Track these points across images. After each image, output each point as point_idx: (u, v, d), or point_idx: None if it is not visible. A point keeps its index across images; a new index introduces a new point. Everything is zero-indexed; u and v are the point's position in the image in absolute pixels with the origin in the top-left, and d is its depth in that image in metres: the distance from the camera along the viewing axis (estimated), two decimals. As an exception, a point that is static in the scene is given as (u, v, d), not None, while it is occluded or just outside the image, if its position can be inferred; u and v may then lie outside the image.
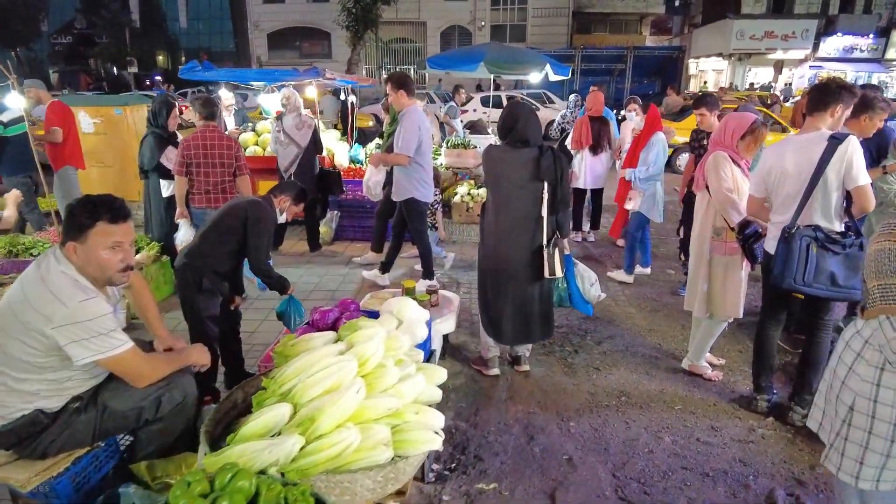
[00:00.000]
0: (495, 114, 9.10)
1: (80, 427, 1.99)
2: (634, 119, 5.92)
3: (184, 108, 9.13)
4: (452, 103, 9.63)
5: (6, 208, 3.16)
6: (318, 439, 1.63)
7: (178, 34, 36.12)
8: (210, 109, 4.34)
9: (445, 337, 3.79)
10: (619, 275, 5.42)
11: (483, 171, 3.39)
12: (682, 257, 5.01)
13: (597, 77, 20.72)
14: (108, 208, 1.94)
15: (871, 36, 22.86)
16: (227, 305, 3.30)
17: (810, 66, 23.90)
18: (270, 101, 7.85)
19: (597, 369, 3.82)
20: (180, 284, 3.07)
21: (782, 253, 2.83)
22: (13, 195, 3.26)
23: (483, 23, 29.72)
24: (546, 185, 3.19)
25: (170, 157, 4.63)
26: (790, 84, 23.45)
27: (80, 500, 2.02)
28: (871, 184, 2.77)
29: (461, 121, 10.90)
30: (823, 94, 2.85)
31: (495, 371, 3.64)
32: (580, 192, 6.56)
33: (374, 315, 2.68)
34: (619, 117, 7.35)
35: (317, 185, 5.89)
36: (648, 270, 5.62)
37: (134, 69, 29.13)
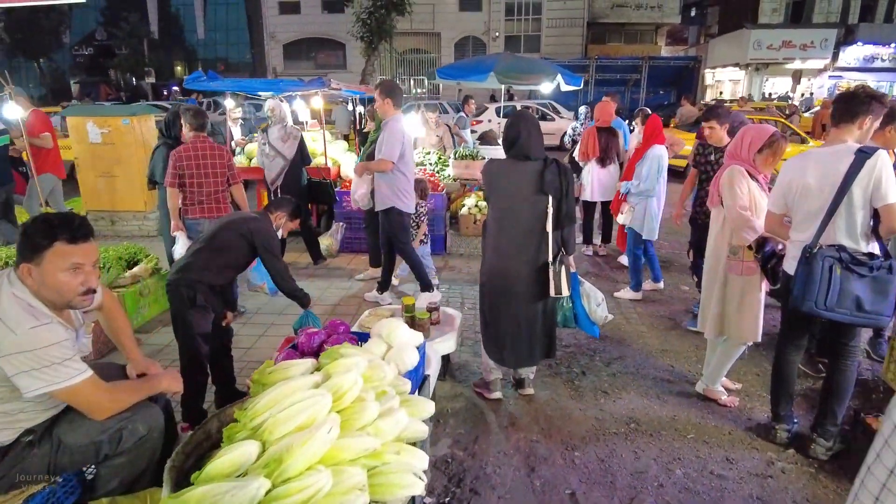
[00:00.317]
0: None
1: (33, 462, 1.85)
2: (634, 132, 5.73)
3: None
4: (462, 113, 9.51)
5: None
6: (286, 483, 1.47)
7: (196, 45, 36.68)
8: (200, 120, 4.29)
9: (447, 356, 3.63)
10: (627, 293, 5.22)
11: (483, 187, 3.22)
12: (695, 278, 4.78)
13: (611, 87, 20.51)
14: (67, 227, 1.81)
15: (893, 45, 22.42)
16: (219, 321, 3.20)
17: (829, 76, 23.51)
18: (278, 112, 7.77)
19: (605, 393, 3.63)
20: (173, 299, 2.97)
21: (802, 274, 2.63)
22: None
23: (497, 33, 29.73)
24: (550, 198, 3.04)
25: None
26: (810, 94, 23.04)
27: None
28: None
29: (475, 131, 10.81)
30: (851, 104, 2.64)
31: (497, 395, 3.46)
32: (590, 205, 6.39)
33: (364, 337, 2.52)
34: (632, 128, 7.17)
35: (305, 196, 5.76)
36: (661, 285, 5.41)
37: (151, 80, 29.55)
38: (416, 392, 2.37)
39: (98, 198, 7.48)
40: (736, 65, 25.10)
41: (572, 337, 4.34)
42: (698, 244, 4.53)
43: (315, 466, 1.50)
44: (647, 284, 5.35)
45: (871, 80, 22.01)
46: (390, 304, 4.84)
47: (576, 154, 6.45)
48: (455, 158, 7.39)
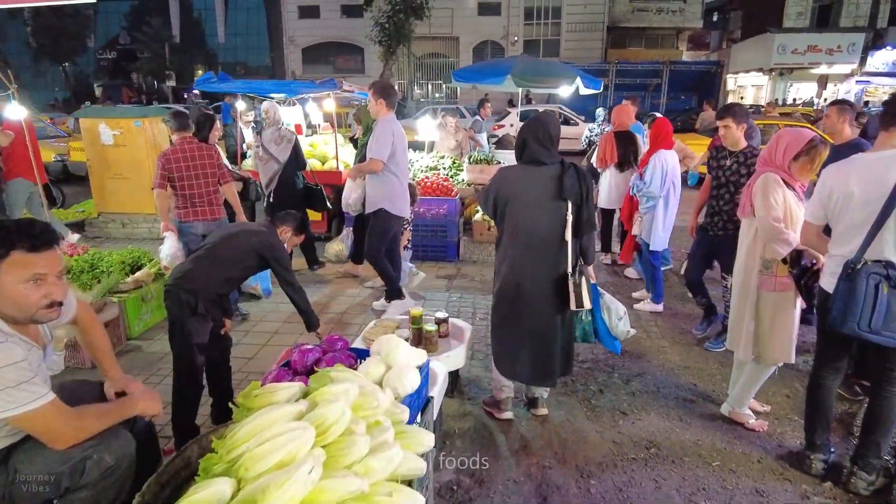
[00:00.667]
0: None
1: (-13, 494, 1.69)
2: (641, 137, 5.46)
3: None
4: (478, 117, 9.33)
5: None
6: (261, 529, 1.30)
7: (216, 49, 37.03)
8: (180, 121, 4.23)
9: (455, 371, 3.44)
10: (647, 305, 4.96)
11: (494, 196, 2.97)
12: (693, 294, 4.49)
13: (631, 92, 20.18)
14: (26, 234, 1.64)
15: (924, 50, 21.78)
16: (217, 330, 3.08)
17: (857, 81, 22.89)
18: (291, 115, 7.67)
19: (623, 413, 3.40)
20: (172, 306, 2.84)
21: (843, 292, 2.39)
22: None
23: (516, 38, 29.55)
24: (570, 205, 2.84)
25: None
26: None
27: None
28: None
29: (496, 136, 10.59)
30: None
31: (508, 415, 3.25)
32: (608, 212, 6.16)
33: (364, 354, 2.34)
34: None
35: (302, 201, 5.60)
36: (660, 308, 4.98)
37: (172, 83, 29.83)
38: (419, 416, 2.18)
39: (110, 200, 7.43)
40: (759, 70, 24.59)
41: (589, 352, 4.12)
42: (708, 256, 4.25)
43: (294, 511, 1.32)
44: (648, 304, 5.01)
45: (901, 86, 21.41)
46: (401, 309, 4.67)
47: (593, 159, 6.23)
48: (469, 163, 7.21)
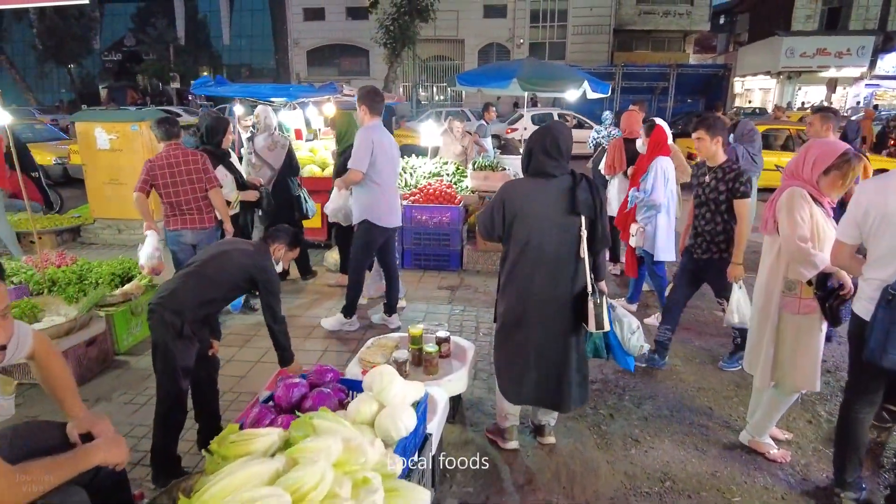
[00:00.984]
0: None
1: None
2: (638, 142, 5.22)
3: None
4: (482, 122, 9.13)
5: None
6: None
7: (221, 51, 36.98)
8: (165, 130, 4.08)
9: (457, 395, 3.24)
10: (657, 319, 4.74)
11: (500, 213, 2.76)
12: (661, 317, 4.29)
13: (638, 95, 19.93)
14: None
15: (935, 53, 21.52)
16: (204, 351, 2.90)
17: (866, 85, 22.64)
18: (292, 119, 7.50)
19: (636, 441, 3.19)
20: (156, 327, 2.67)
21: (884, 321, 2.18)
22: None
23: (522, 40, 29.37)
24: (584, 219, 2.65)
25: (219, 177, 4.36)
26: (857, 103, 22.11)
27: None
28: None
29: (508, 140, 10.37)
30: None
31: (513, 444, 3.04)
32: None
33: (356, 386, 2.15)
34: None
35: (297, 207, 5.41)
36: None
37: (177, 85, 29.78)
38: (416, 455, 1.99)
39: (106, 205, 7.27)
40: (767, 73, 24.35)
41: (598, 371, 3.91)
42: (694, 280, 3.95)
43: None
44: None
45: (912, 90, 21.17)
46: (398, 329, 4.49)
47: (601, 165, 6.02)
48: (473, 169, 7.01)
